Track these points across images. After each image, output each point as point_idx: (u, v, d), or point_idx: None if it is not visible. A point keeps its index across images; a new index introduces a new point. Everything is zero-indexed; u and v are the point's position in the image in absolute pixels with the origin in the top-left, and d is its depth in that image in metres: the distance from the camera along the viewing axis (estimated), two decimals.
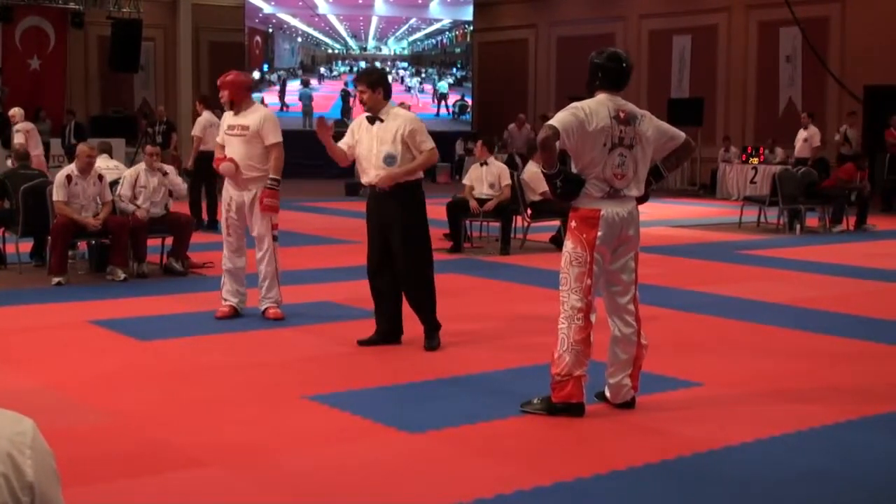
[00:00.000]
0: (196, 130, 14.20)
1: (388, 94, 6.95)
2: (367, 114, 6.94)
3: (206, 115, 14.30)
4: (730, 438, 4.96)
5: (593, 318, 5.32)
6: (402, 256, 6.86)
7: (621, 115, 5.32)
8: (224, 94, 7.84)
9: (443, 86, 28.21)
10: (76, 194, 9.61)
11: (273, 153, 7.84)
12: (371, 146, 6.86)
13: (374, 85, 6.87)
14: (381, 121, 6.86)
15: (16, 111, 16.57)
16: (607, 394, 5.53)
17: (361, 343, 6.98)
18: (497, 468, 4.54)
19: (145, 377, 6.13)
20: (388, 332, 7.05)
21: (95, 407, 5.48)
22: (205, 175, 13.99)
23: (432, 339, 6.96)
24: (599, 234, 5.23)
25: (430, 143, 6.88)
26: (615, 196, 5.28)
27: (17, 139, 15.49)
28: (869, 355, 6.95)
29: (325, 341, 7.18)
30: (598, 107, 5.28)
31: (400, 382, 6.05)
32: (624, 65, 5.40)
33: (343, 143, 7.07)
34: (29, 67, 24.25)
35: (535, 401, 5.42)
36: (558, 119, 5.20)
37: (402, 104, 21.08)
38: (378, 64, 27.69)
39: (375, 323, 7.10)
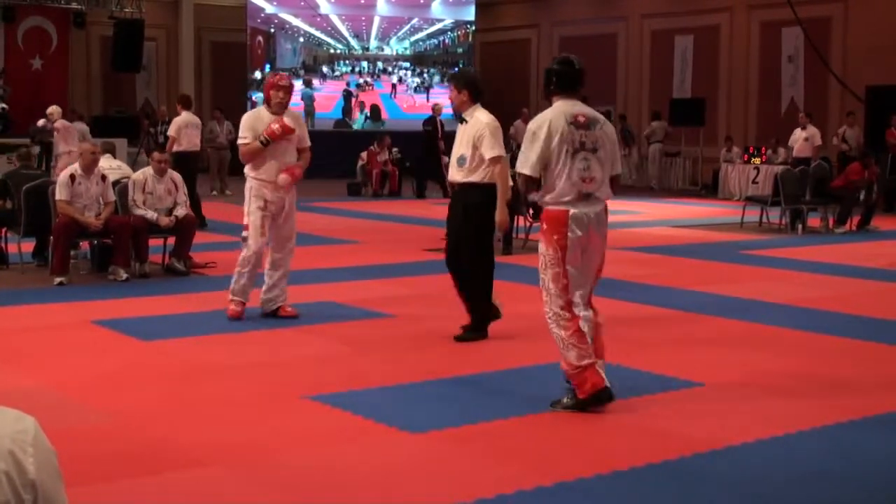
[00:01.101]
0: (171, 131, 14.26)
1: (474, 96, 7.18)
2: (462, 115, 7.26)
3: (184, 116, 14.37)
4: (731, 438, 4.96)
5: (577, 310, 5.41)
6: (466, 252, 7.17)
7: (580, 119, 5.47)
8: (286, 98, 7.85)
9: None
10: (79, 194, 9.61)
11: (306, 155, 8.06)
12: (456, 149, 7.22)
13: (460, 86, 7.17)
14: (465, 122, 7.13)
15: (53, 109, 16.52)
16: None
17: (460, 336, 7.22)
18: (498, 468, 4.54)
19: (147, 377, 6.13)
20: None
21: (97, 407, 5.49)
22: (185, 175, 14.02)
23: (467, 333, 7.18)
24: (569, 234, 5.36)
25: (493, 151, 6.99)
26: (584, 198, 5.43)
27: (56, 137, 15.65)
28: (870, 355, 6.95)
29: (325, 341, 7.18)
30: (555, 117, 5.44)
31: (401, 382, 6.05)
32: (576, 67, 5.59)
33: None
34: (31, 67, 24.28)
35: (566, 400, 5.49)
36: (528, 164, 5.40)
37: (435, 106, 21.18)
38: (380, 64, 27.73)
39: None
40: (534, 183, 5.43)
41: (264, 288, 7.97)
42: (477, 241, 7.19)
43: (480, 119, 7.09)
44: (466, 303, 7.29)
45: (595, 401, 5.39)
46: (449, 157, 7.61)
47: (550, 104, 5.57)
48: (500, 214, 7.05)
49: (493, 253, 7.38)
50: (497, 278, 10.15)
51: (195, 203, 14.02)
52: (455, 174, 7.14)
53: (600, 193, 5.49)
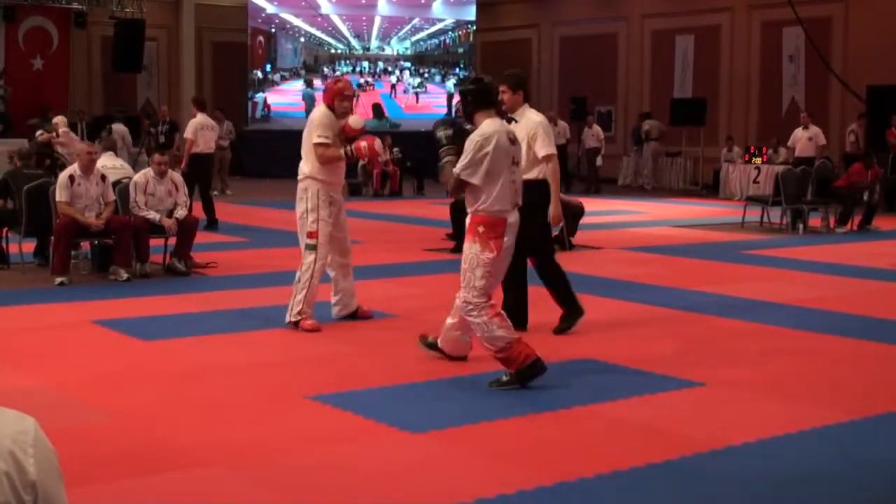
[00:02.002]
0: (188, 133, 14.31)
1: (527, 96, 7.43)
2: (509, 115, 7.32)
3: (199, 118, 14.41)
4: (732, 438, 4.96)
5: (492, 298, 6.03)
6: (532, 248, 7.29)
7: (510, 135, 6.08)
8: (350, 108, 7.86)
9: (449, 86, 28.21)
10: (79, 195, 9.62)
11: None
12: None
13: (515, 87, 7.31)
14: (516, 121, 7.16)
15: (59, 120, 16.41)
16: (440, 343, 6.46)
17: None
18: (499, 468, 4.54)
19: (148, 377, 6.14)
20: (515, 322, 7.27)
21: (97, 407, 5.49)
22: (199, 177, 14.09)
23: (566, 322, 7.42)
24: (505, 239, 5.95)
25: (546, 150, 7.22)
26: (514, 208, 6.05)
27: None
28: (871, 355, 6.95)
29: (327, 341, 7.18)
30: (499, 133, 5.96)
31: (402, 382, 6.05)
32: (488, 84, 6.21)
33: None
34: (32, 67, 24.28)
35: (503, 377, 5.92)
36: (478, 175, 5.86)
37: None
38: (381, 64, 27.72)
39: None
40: (464, 188, 5.97)
41: (338, 296, 7.87)
42: (540, 237, 7.38)
43: (533, 118, 7.33)
44: (509, 300, 7.41)
45: (531, 370, 5.85)
46: None
47: (473, 122, 6.10)
48: (555, 209, 7.26)
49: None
50: None
51: (207, 204, 14.07)
52: None
53: (519, 201, 6.13)
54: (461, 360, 6.48)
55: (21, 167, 10.84)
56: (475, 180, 5.87)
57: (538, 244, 7.38)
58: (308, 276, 7.48)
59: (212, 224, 13.91)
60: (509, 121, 7.23)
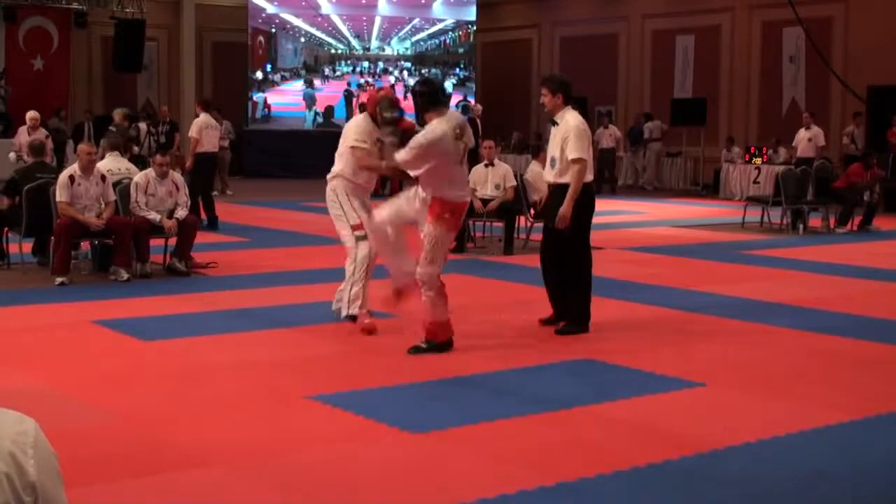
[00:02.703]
0: (193, 132, 14.35)
1: (567, 99, 7.47)
2: (554, 118, 7.56)
3: (203, 118, 14.44)
4: (732, 438, 4.96)
5: None
6: (567, 248, 7.41)
7: (458, 131, 6.58)
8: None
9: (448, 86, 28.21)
10: (79, 195, 9.62)
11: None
12: (550, 148, 7.59)
13: (555, 90, 7.42)
14: (556, 124, 7.43)
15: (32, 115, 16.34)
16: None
17: (544, 322, 7.59)
18: (500, 468, 4.54)
19: (148, 377, 6.14)
20: (563, 312, 7.55)
21: (98, 407, 5.49)
22: (203, 176, 14.13)
23: (570, 326, 7.40)
24: (461, 221, 6.85)
25: (575, 153, 7.24)
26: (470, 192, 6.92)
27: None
28: (872, 355, 6.95)
29: (327, 341, 7.18)
30: (449, 129, 6.54)
31: (403, 382, 6.05)
32: (437, 85, 6.92)
33: None
34: (32, 67, 24.28)
35: (423, 344, 6.66)
36: (413, 167, 6.68)
37: (474, 106, 21.34)
38: (381, 64, 27.71)
39: (550, 304, 7.68)
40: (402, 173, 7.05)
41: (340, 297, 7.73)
42: (578, 239, 7.42)
43: (569, 122, 7.38)
44: (554, 296, 7.60)
45: (442, 348, 6.67)
46: None
47: (425, 122, 6.65)
48: (566, 209, 7.22)
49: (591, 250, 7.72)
50: (500, 278, 10.20)
51: (208, 204, 14.09)
52: (547, 175, 7.56)
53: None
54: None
55: (34, 163, 10.77)
56: (413, 173, 6.69)
57: (575, 243, 7.40)
58: (363, 269, 7.46)
59: (212, 223, 13.92)
60: (553, 123, 7.51)
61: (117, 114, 16.10)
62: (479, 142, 12.90)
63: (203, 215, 14.05)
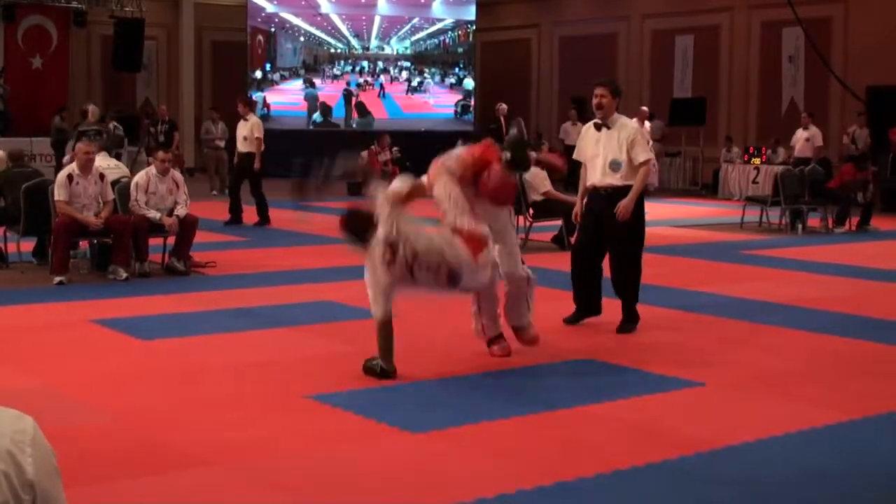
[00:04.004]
0: (258, 132, 14.81)
1: (618, 106, 7.53)
2: (597, 120, 7.51)
3: (254, 118, 15.12)
4: (732, 438, 4.96)
5: None
6: (618, 251, 7.46)
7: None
8: None
9: (467, 83, 28.17)
10: (77, 194, 9.61)
11: None
12: (596, 151, 7.44)
13: (615, 93, 7.50)
14: (608, 128, 7.39)
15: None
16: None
17: (567, 321, 7.65)
18: (499, 468, 4.54)
19: (147, 376, 6.13)
20: (587, 310, 7.68)
21: (97, 406, 5.49)
22: (251, 174, 14.73)
23: (626, 324, 7.52)
24: None
25: (644, 156, 7.35)
26: None
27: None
28: (870, 355, 6.95)
29: (326, 341, 7.18)
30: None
31: (402, 382, 6.05)
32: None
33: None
34: (31, 66, 24.25)
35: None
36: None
37: (500, 106, 21.48)
38: (381, 63, 27.70)
39: (574, 302, 7.72)
40: None
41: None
42: (636, 240, 7.50)
43: (630, 125, 7.52)
44: (582, 295, 7.66)
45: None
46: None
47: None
48: (629, 201, 7.24)
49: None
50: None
51: (261, 202, 14.79)
52: (607, 178, 7.37)
53: None
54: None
55: (13, 167, 10.79)
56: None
57: (632, 244, 7.48)
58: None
59: (263, 220, 14.59)
60: (599, 127, 7.47)
61: (91, 112, 16.08)
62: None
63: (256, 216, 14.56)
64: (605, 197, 7.41)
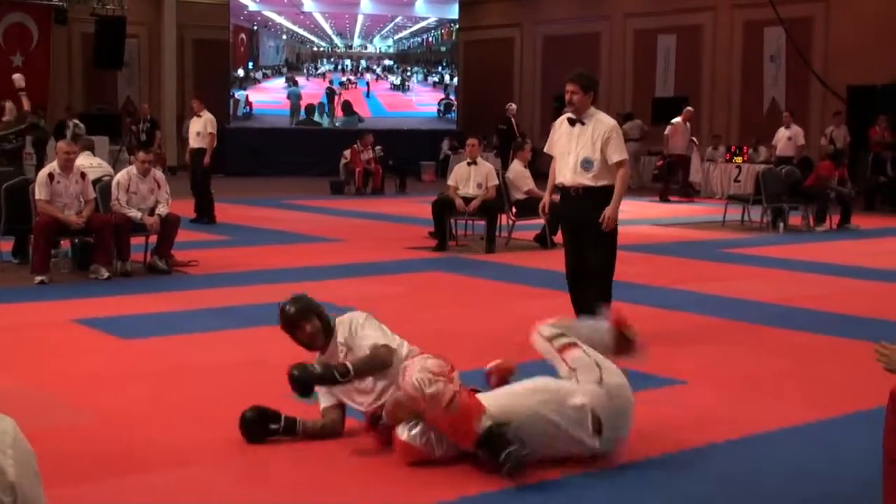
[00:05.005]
0: (211, 129, 14.78)
1: (596, 97, 7.04)
2: (570, 115, 7.00)
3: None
4: (714, 436, 4.97)
5: None
6: (591, 257, 6.91)
7: None
8: None
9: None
10: (58, 193, 9.57)
11: None
12: (569, 148, 6.93)
13: (587, 88, 6.94)
14: (583, 124, 6.91)
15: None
16: None
17: None
18: (483, 465, 4.53)
19: (129, 376, 6.11)
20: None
21: (79, 406, 5.46)
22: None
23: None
24: None
25: (618, 156, 6.84)
26: None
27: None
28: (850, 353, 6.98)
29: None
30: None
31: None
32: None
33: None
34: (11, 64, 24.08)
35: None
36: None
37: (509, 106, 21.57)
38: (363, 62, 27.67)
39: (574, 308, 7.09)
40: None
41: None
42: (610, 243, 7.00)
43: (606, 122, 6.98)
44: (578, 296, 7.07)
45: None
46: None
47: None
48: (613, 210, 6.81)
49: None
50: (482, 276, 10.20)
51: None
52: (578, 177, 6.89)
53: None
54: None
55: None
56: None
57: (607, 248, 6.96)
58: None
59: (207, 218, 14.66)
60: (574, 122, 6.95)
61: (8, 110, 15.93)
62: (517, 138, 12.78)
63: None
64: (575, 198, 6.93)
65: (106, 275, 9.53)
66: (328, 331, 5.06)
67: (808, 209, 15.23)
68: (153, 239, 10.14)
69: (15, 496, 1.61)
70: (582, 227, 6.92)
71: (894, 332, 7.57)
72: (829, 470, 4.58)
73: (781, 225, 15.05)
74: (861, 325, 7.92)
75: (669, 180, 20.62)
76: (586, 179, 6.88)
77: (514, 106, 23.17)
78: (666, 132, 20.20)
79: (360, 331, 5.00)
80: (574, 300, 7.12)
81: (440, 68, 28.47)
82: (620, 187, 6.87)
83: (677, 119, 20.30)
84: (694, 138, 20.59)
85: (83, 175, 9.84)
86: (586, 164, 6.85)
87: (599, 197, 6.86)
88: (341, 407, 5.01)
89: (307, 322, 5.04)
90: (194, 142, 14.86)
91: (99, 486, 4.28)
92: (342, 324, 5.06)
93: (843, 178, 15.50)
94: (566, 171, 6.95)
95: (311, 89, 27.13)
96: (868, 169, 19.00)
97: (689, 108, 20.79)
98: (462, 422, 4.36)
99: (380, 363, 4.82)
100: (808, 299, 9.00)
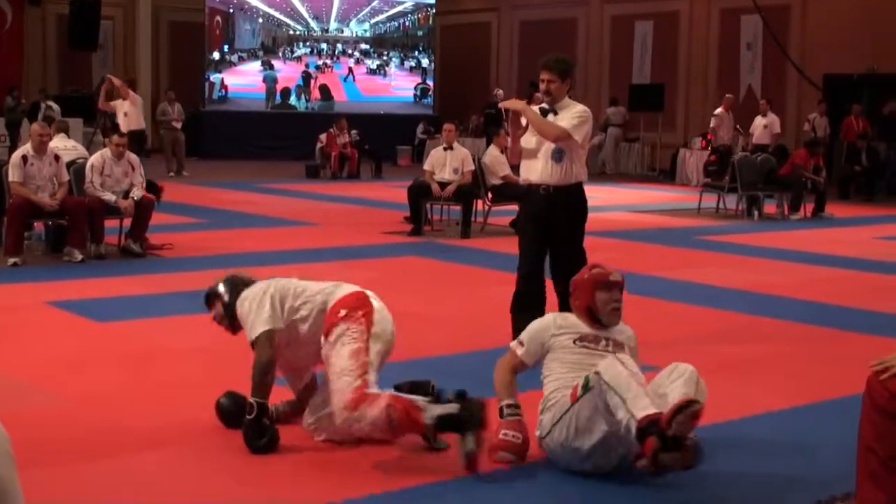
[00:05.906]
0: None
1: (573, 84, 6.47)
2: (544, 105, 6.38)
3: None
4: None
5: None
6: (564, 254, 6.41)
7: None
8: None
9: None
10: (32, 175, 9.51)
11: None
12: (539, 144, 6.34)
13: (564, 75, 6.32)
14: (555, 113, 6.34)
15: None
16: None
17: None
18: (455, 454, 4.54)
19: (103, 359, 6.08)
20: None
21: (52, 390, 5.43)
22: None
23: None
24: None
25: (566, 122, 6.24)
26: None
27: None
28: (825, 341, 7.04)
29: None
30: None
31: None
32: None
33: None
34: None
35: None
36: None
37: (499, 92, 21.45)
38: (339, 46, 27.56)
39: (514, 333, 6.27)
40: None
41: None
42: (578, 240, 6.51)
43: (578, 107, 6.37)
44: (524, 318, 5.99)
45: None
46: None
47: None
48: (521, 106, 6.37)
49: None
50: (457, 261, 10.21)
51: None
52: (548, 174, 6.35)
53: None
54: None
55: None
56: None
57: (577, 246, 6.45)
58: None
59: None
60: (546, 112, 6.34)
61: None
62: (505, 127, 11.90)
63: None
64: (544, 198, 6.38)
65: (80, 257, 9.48)
66: (232, 316, 4.98)
67: (783, 197, 15.32)
68: (127, 222, 10.09)
69: None
70: (552, 226, 6.45)
71: (866, 321, 7.65)
72: (802, 457, 4.61)
73: (756, 213, 15.14)
74: (834, 313, 7.98)
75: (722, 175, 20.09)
76: (556, 177, 6.37)
77: (501, 91, 23.16)
78: (712, 125, 19.10)
79: (245, 324, 4.90)
80: (527, 300, 6.47)
81: (417, 53, 28.40)
82: (537, 117, 6.30)
83: (720, 109, 19.14)
84: (739, 126, 19.74)
85: (57, 157, 9.77)
86: (556, 154, 6.33)
87: (571, 195, 6.43)
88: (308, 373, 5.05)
89: (211, 307, 5.06)
90: (124, 124, 15.27)
91: (72, 468, 4.26)
92: (241, 304, 4.93)
93: (818, 167, 15.59)
94: (535, 169, 6.41)
95: (287, 73, 27.00)
96: (842, 157, 19.11)
97: (729, 95, 19.93)
98: (410, 424, 4.40)
99: (262, 368, 4.75)
100: (783, 287, 9.06)
